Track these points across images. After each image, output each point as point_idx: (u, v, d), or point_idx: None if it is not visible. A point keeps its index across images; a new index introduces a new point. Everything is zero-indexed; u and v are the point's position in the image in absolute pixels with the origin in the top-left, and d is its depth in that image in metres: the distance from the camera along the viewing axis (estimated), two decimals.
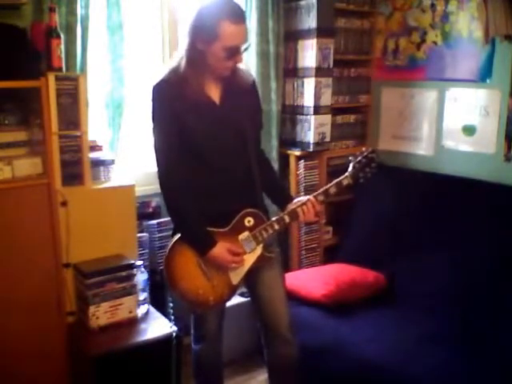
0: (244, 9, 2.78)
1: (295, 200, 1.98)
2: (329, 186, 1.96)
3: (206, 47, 1.76)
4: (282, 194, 2.09)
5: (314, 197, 1.94)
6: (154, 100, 1.84)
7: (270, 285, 2.01)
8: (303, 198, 1.95)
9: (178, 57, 1.85)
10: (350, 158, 1.99)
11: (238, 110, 1.90)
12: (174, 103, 1.81)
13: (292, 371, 2.05)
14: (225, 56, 1.76)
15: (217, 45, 1.74)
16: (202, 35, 1.75)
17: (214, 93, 1.89)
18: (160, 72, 1.88)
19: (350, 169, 1.96)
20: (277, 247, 2.08)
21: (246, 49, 1.82)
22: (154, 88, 1.84)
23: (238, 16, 1.75)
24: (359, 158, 1.96)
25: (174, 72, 1.83)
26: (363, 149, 2.00)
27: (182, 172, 1.86)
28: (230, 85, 1.89)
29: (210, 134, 1.86)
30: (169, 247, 1.93)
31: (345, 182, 1.95)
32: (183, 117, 1.82)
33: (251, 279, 2.01)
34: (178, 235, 1.92)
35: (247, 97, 1.95)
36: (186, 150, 1.85)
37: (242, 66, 1.91)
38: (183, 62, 1.81)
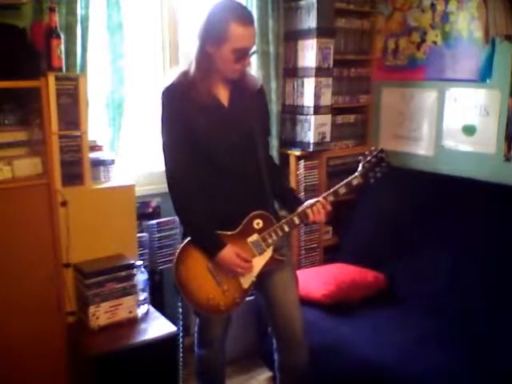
0: None
1: (305, 204, 1.95)
2: (338, 186, 1.94)
3: (215, 50, 1.77)
4: (291, 199, 2.06)
5: (324, 197, 1.93)
6: (163, 103, 1.85)
7: (284, 287, 1.99)
8: (313, 200, 1.94)
9: (187, 60, 1.86)
10: (360, 157, 1.97)
11: (246, 112, 1.91)
12: (183, 106, 1.82)
13: (305, 374, 2.05)
14: (234, 58, 1.77)
15: (226, 47, 1.75)
16: (211, 38, 1.76)
17: (223, 95, 1.90)
18: (170, 75, 1.90)
19: (360, 168, 1.94)
20: (288, 251, 2.06)
21: (253, 52, 1.84)
22: (164, 92, 1.86)
23: (247, 18, 1.77)
24: (369, 158, 1.95)
25: (184, 75, 1.85)
26: (372, 148, 1.98)
27: (191, 174, 1.86)
28: (239, 88, 1.90)
29: (218, 136, 1.87)
30: (178, 251, 1.91)
31: (355, 182, 1.94)
32: (192, 119, 1.82)
33: (263, 282, 1.99)
34: (187, 239, 1.90)
35: (255, 100, 1.96)
36: (195, 152, 1.85)
37: (249, 71, 1.92)
38: (193, 65, 1.83)
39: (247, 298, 1.93)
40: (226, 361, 2.25)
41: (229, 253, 1.86)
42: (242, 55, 1.78)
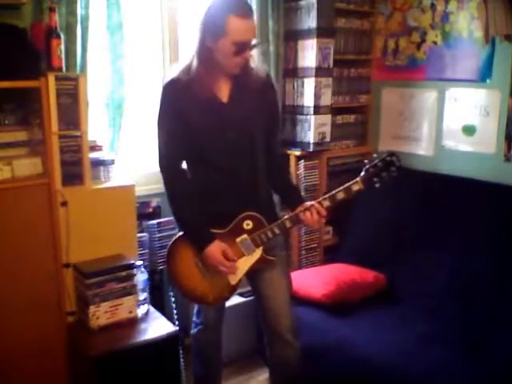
0: None
1: (303, 205, 1.90)
2: (336, 191, 1.86)
3: (214, 44, 1.76)
4: (292, 196, 2.03)
5: (319, 202, 1.87)
6: (162, 97, 1.87)
7: (274, 285, 2.00)
8: (308, 204, 1.89)
9: (190, 55, 1.85)
10: (366, 161, 1.87)
11: (246, 109, 1.88)
12: (181, 102, 1.83)
13: (292, 373, 2.05)
14: (233, 52, 1.75)
15: (225, 40, 1.74)
16: (210, 32, 1.76)
17: (223, 92, 1.88)
18: (172, 70, 1.90)
19: (362, 173, 1.84)
20: (283, 250, 2.06)
21: (254, 46, 1.81)
22: (164, 87, 1.87)
23: (246, 11, 1.75)
24: (375, 162, 1.84)
25: (185, 71, 1.84)
26: (383, 150, 1.90)
27: (185, 170, 1.89)
28: (241, 83, 1.88)
29: (214, 133, 1.86)
30: (170, 243, 1.97)
31: (355, 188, 1.84)
32: (188, 116, 1.83)
33: (255, 280, 2.02)
34: (181, 232, 1.95)
35: (259, 96, 1.91)
36: (191, 148, 1.87)
37: (255, 64, 1.89)
38: (195, 60, 1.82)
39: (247, 299, 1.95)
40: (224, 360, 2.28)
41: (215, 248, 1.87)
42: (242, 48, 1.76)
